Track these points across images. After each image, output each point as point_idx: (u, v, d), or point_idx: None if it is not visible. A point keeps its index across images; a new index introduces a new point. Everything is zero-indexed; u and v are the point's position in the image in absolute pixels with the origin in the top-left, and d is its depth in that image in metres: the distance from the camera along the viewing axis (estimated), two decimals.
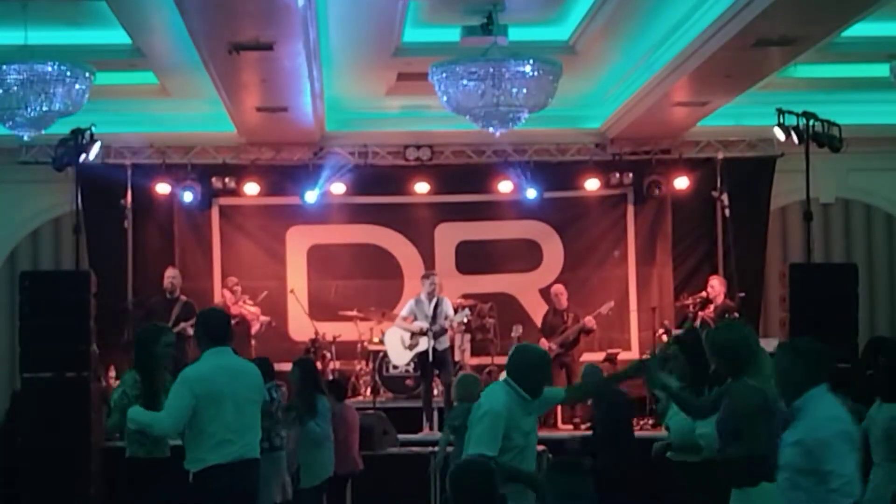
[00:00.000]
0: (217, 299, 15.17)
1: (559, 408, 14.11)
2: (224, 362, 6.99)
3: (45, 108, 11.17)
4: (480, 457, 5.88)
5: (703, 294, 14.81)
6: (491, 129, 11.50)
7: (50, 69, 11.01)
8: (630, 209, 16.25)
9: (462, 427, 8.15)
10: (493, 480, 4.91)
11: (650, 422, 13.73)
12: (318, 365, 14.48)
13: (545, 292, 15.61)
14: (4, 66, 10.96)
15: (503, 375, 6.65)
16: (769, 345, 12.60)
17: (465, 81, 10.94)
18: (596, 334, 15.24)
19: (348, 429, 10.48)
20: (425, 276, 14.20)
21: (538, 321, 15.38)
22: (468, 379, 10.00)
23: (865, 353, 8.55)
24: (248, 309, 14.69)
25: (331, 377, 13.89)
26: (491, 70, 10.83)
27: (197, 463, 6.79)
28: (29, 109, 11.14)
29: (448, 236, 16.15)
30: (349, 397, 14.24)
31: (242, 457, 6.85)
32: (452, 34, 11.48)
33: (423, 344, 13.82)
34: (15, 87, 11.01)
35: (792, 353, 5.41)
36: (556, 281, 15.57)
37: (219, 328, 7.13)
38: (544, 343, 14.65)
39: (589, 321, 14.79)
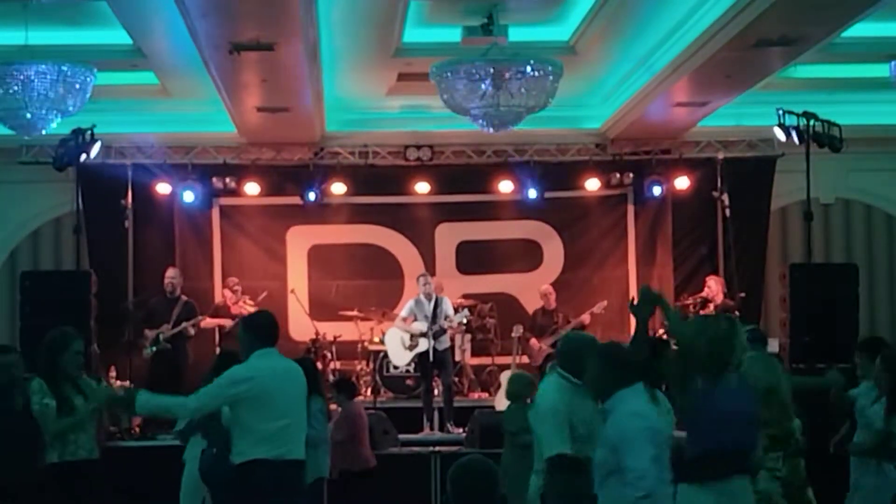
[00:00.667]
0: (217, 299, 15.17)
1: None
2: (272, 363, 7.02)
3: (45, 109, 11.17)
4: (561, 456, 5.89)
5: (703, 294, 14.81)
6: (491, 130, 11.51)
7: (51, 69, 11.00)
8: (630, 209, 16.26)
9: (520, 432, 8.10)
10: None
11: None
12: (319, 365, 14.52)
13: None
14: (5, 67, 10.95)
15: None
16: (770, 345, 12.69)
17: (465, 81, 10.94)
18: (596, 334, 15.22)
19: (359, 426, 10.49)
20: (419, 278, 14.25)
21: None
22: (519, 378, 9.71)
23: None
24: (248, 309, 14.65)
25: (331, 377, 13.90)
26: (491, 70, 10.83)
27: (238, 456, 6.86)
28: (29, 109, 11.14)
29: (448, 236, 16.15)
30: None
31: (284, 456, 6.88)
32: (453, 34, 11.49)
33: (424, 344, 13.83)
34: (15, 88, 11.00)
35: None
36: (557, 281, 15.59)
37: (266, 330, 7.15)
38: (535, 343, 14.68)
39: (585, 318, 14.78)
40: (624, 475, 5.22)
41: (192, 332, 14.10)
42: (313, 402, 9.30)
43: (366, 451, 10.53)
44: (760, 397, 6.71)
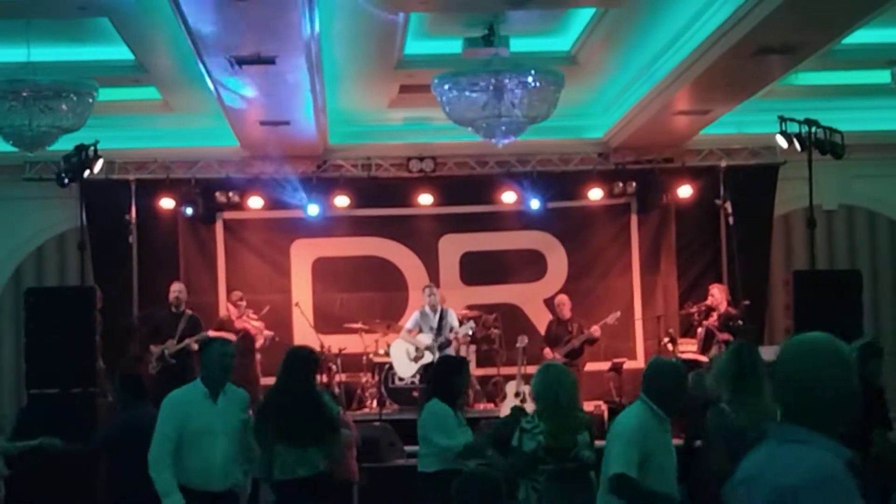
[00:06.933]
0: (222, 313, 15.17)
1: None
2: None
3: (48, 125, 11.19)
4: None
5: (707, 302, 14.79)
6: (493, 140, 11.53)
7: (53, 86, 11.02)
8: (634, 218, 16.26)
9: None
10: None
11: None
12: (325, 378, 14.50)
13: (550, 302, 15.60)
14: (8, 83, 10.98)
15: None
16: (773, 353, 12.68)
17: (467, 93, 10.96)
18: (601, 343, 15.23)
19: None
20: (424, 289, 14.23)
21: (543, 331, 15.37)
22: None
23: None
24: (252, 323, 14.69)
25: (336, 390, 13.89)
26: (493, 81, 10.85)
27: None
28: (32, 126, 11.16)
29: (452, 247, 16.15)
30: (355, 409, 14.26)
31: None
32: (454, 46, 11.51)
33: (429, 356, 13.82)
34: (18, 104, 11.02)
35: None
36: (561, 291, 15.57)
37: None
38: (548, 353, 14.62)
39: (595, 330, 14.73)
40: None
41: (195, 347, 14.06)
42: None
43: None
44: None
